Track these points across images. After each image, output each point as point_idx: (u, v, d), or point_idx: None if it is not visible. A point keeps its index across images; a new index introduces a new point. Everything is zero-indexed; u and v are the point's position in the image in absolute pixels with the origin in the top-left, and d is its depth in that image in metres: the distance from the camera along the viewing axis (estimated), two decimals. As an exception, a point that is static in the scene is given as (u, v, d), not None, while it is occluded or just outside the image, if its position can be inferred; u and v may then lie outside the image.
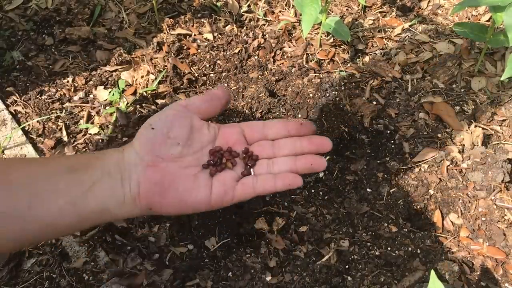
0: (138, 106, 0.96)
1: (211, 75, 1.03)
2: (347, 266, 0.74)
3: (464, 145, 0.89)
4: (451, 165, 0.87)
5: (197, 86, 1.01)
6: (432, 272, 0.47)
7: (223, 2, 1.18)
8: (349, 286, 0.71)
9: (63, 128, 0.93)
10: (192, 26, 1.12)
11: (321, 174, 0.85)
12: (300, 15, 0.96)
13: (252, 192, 0.51)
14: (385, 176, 0.86)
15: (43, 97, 0.97)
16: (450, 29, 1.11)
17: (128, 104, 0.95)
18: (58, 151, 0.89)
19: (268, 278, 0.72)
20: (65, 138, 0.91)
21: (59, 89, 0.99)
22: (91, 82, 1.00)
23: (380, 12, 1.17)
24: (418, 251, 0.75)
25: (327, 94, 0.98)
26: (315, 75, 1.01)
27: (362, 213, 0.81)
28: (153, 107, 0.97)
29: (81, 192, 0.47)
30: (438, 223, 0.80)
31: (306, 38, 1.09)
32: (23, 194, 0.45)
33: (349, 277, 0.72)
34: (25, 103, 0.96)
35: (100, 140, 0.91)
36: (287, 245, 0.77)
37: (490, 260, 0.76)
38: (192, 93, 1.00)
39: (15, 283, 0.72)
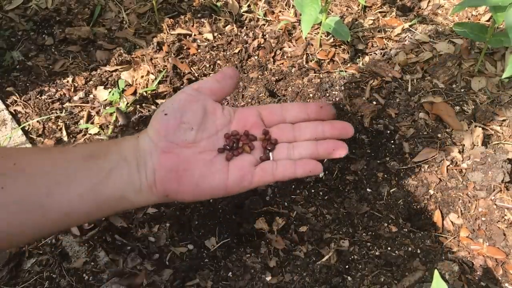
0: (138, 106, 0.96)
1: (211, 75, 1.03)
2: (347, 266, 0.74)
3: (464, 145, 0.89)
4: (451, 165, 0.87)
5: (197, 86, 1.01)
6: (436, 272, 0.47)
7: (223, 2, 1.18)
8: (349, 286, 0.71)
9: (63, 128, 0.93)
10: (192, 26, 1.12)
11: (321, 174, 0.85)
12: (300, 15, 0.95)
13: (271, 178, 0.50)
14: (385, 176, 0.86)
15: (43, 97, 0.97)
16: (450, 29, 1.11)
17: (128, 104, 0.95)
18: (58, 151, 0.89)
19: (268, 278, 0.72)
20: (65, 138, 0.91)
21: (59, 89, 0.99)
22: (91, 82, 1.00)
23: (380, 12, 1.17)
24: (418, 251, 0.75)
25: (327, 94, 0.98)
26: (315, 75, 1.01)
27: (362, 213, 0.81)
28: (153, 107, 0.97)
29: (99, 179, 0.46)
30: (438, 223, 0.80)
31: (306, 38, 1.09)
32: (42, 182, 0.45)
33: (349, 277, 0.72)
34: (25, 103, 0.96)
35: (100, 140, 0.91)
36: (287, 245, 0.77)
37: (490, 260, 0.76)
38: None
39: (15, 283, 0.72)
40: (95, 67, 1.03)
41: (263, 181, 0.50)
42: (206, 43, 1.08)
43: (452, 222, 0.81)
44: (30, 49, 1.05)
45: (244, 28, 1.12)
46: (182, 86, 1.00)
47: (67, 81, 1.00)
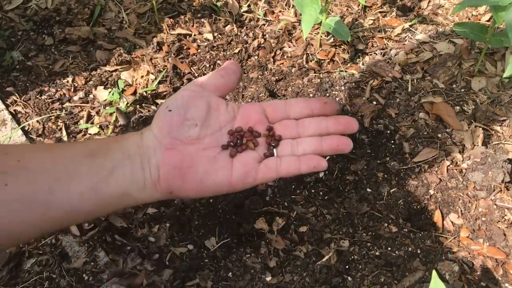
0: (138, 106, 0.96)
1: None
2: (347, 266, 0.74)
3: (464, 145, 0.89)
4: (451, 165, 0.87)
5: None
6: (434, 272, 0.47)
7: (223, 2, 1.18)
8: (349, 286, 0.71)
9: (63, 128, 0.93)
10: (192, 26, 1.12)
11: (321, 174, 0.85)
12: (300, 15, 0.95)
13: (275, 175, 0.50)
14: (385, 176, 0.86)
15: (43, 97, 0.97)
16: (450, 29, 1.11)
17: (128, 104, 0.95)
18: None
19: (268, 278, 0.72)
20: (65, 138, 0.91)
21: (59, 89, 0.99)
22: (91, 82, 1.00)
23: (380, 12, 1.17)
24: (418, 251, 0.75)
25: (327, 94, 0.98)
26: (315, 75, 1.01)
27: (362, 213, 0.81)
28: (153, 107, 0.97)
29: (102, 177, 0.46)
30: (438, 223, 0.80)
31: (306, 38, 1.09)
32: (44, 179, 0.44)
33: (349, 277, 0.72)
34: (25, 103, 0.96)
35: (101, 138, 0.91)
36: (287, 245, 0.77)
37: (490, 260, 0.76)
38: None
39: (15, 283, 0.72)
40: (95, 67, 1.03)
41: (267, 177, 0.50)
42: (206, 43, 1.08)
43: (452, 222, 0.81)
44: (30, 49, 1.05)
45: (244, 28, 1.12)
46: (182, 86, 1.00)
47: (67, 81, 1.00)
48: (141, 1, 1.17)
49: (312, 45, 1.08)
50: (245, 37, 1.10)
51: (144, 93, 0.98)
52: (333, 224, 0.79)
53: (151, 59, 1.03)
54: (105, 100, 0.97)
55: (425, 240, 0.77)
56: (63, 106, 0.97)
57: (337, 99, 0.97)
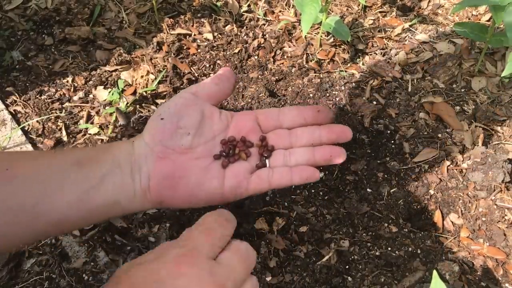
0: (138, 106, 0.96)
1: (211, 75, 1.03)
2: (347, 267, 0.74)
3: (464, 145, 0.89)
4: (451, 165, 0.87)
5: (197, 86, 1.01)
6: (434, 272, 0.47)
7: (223, 2, 1.18)
8: (349, 287, 0.71)
9: (63, 128, 0.93)
10: (192, 26, 1.12)
11: (321, 174, 0.85)
12: (300, 15, 0.95)
13: (267, 186, 0.49)
14: (385, 176, 0.86)
15: (42, 97, 0.97)
16: (451, 29, 1.11)
17: (128, 104, 0.95)
18: (57, 151, 0.89)
19: (268, 278, 0.72)
20: (65, 138, 0.91)
21: (58, 89, 0.99)
22: (91, 82, 1.00)
23: (380, 12, 1.17)
24: (419, 251, 0.75)
25: (327, 94, 0.98)
26: (315, 75, 1.01)
27: (362, 213, 0.81)
28: (153, 107, 0.97)
29: (90, 187, 0.45)
30: (438, 223, 0.80)
31: (306, 37, 1.09)
32: (30, 190, 0.44)
33: (349, 277, 0.72)
34: (24, 103, 0.96)
35: (100, 140, 0.91)
36: (287, 245, 0.77)
37: (490, 260, 0.76)
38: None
39: (14, 283, 0.72)
40: (95, 67, 1.03)
41: (259, 188, 0.49)
42: (206, 43, 1.08)
43: (452, 222, 0.81)
44: (29, 49, 1.05)
45: (244, 28, 1.12)
46: (182, 86, 1.00)
47: (67, 81, 1.00)
48: (141, 1, 1.17)
49: (312, 45, 1.08)
50: (245, 37, 1.10)
51: (144, 93, 0.98)
52: (333, 224, 0.79)
53: (151, 59, 1.03)
54: (105, 100, 0.97)
55: (425, 240, 0.77)
56: (63, 106, 0.97)
57: (337, 99, 0.97)
